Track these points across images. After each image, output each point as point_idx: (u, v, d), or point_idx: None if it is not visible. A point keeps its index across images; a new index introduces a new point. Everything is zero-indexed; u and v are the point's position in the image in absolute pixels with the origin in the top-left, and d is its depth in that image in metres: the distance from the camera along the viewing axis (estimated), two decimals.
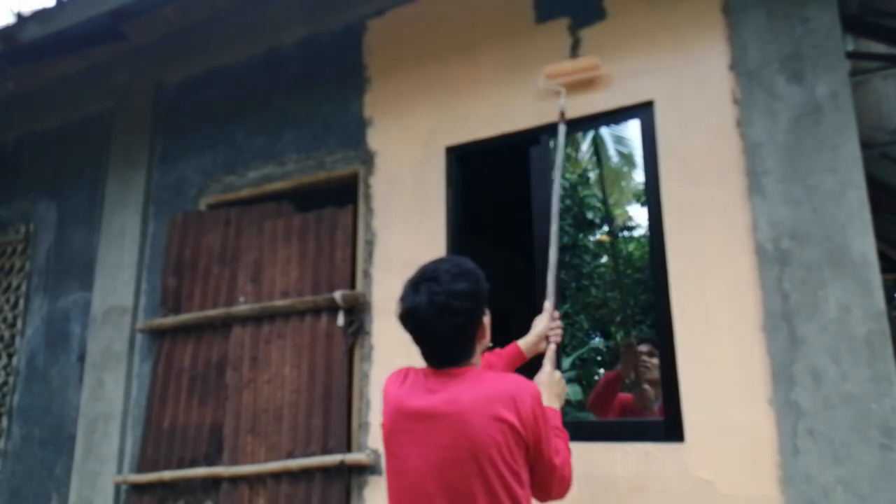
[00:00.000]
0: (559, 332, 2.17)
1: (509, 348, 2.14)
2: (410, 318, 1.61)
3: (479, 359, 1.69)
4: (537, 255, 2.65)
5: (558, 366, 2.15)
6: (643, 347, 3.18)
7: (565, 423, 1.83)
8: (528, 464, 1.58)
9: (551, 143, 2.86)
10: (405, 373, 1.71)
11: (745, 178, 2.34)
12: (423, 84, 3.13)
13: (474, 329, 1.63)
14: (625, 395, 3.21)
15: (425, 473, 1.55)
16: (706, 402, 2.25)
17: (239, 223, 3.47)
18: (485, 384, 1.56)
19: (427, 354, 1.65)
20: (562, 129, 2.52)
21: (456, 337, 1.61)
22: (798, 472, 2.06)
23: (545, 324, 2.17)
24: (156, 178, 3.92)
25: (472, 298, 1.59)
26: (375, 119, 3.24)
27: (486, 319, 1.68)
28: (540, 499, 1.66)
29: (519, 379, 1.60)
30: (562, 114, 2.55)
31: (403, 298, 1.63)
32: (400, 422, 1.63)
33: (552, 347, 2.12)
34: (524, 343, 2.15)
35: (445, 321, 1.57)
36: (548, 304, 2.21)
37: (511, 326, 3.07)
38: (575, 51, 2.78)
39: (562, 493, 1.68)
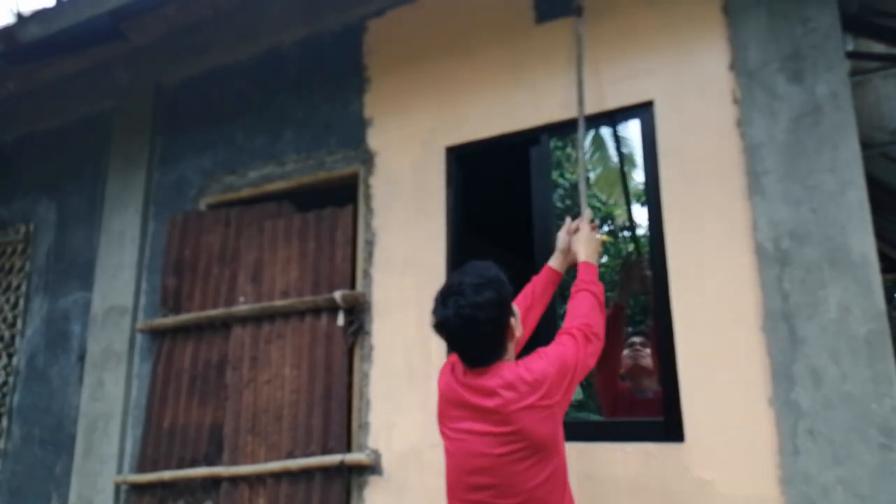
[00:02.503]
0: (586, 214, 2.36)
1: (543, 273, 2.29)
2: (441, 330, 1.79)
3: (511, 354, 1.84)
4: (537, 255, 2.65)
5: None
6: (636, 339, 3.26)
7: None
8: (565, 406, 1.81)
9: (551, 143, 2.86)
10: (453, 363, 1.87)
11: (745, 178, 2.34)
12: (423, 84, 3.13)
13: (502, 333, 1.79)
14: (623, 385, 3.22)
15: (468, 455, 1.75)
16: (706, 402, 2.25)
17: (239, 223, 3.47)
18: (517, 376, 1.73)
19: (461, 357, 1.81)
20: (579, 22, 2.66)
21: (485, 343, 1.77)
22: (798, 472, 2.06)
23: (562, 236, 2.34)
24: (156, 178, 3.91)
25: (496, 307, 1.75)
26: (375, 119, 3.24)
27: (514, 320, 1.82)
28: None
29: (539, 362, 1.77)
30: (578, 9, 2.68)
31: (434, 311, 1.81)
32: (448, 409, 1.84)
33: (587, 213, 2.34)
34: (554, 262, 2.31)
35: (473, 331, 1.74)
36: (570, 221, 2.37)
37: None
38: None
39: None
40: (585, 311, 1.98)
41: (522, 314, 2.01)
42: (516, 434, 1.68)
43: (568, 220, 2.38)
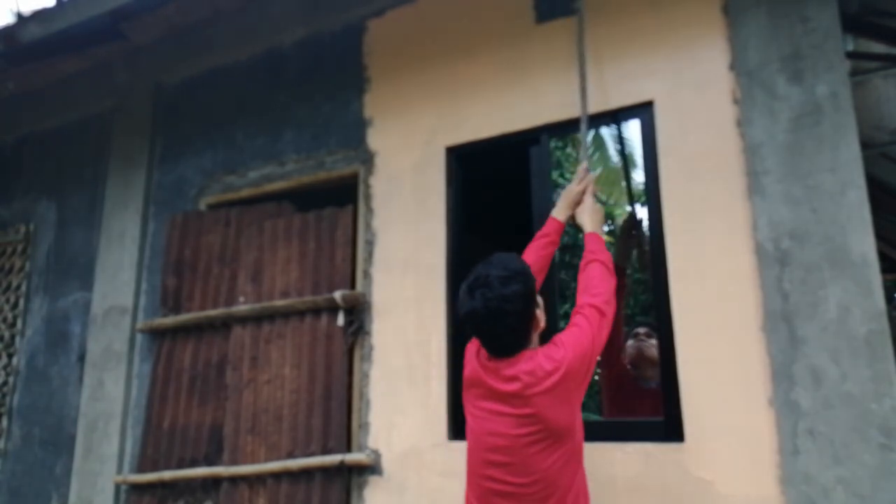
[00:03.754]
0: (588, 179, 2.43)
1: (549, 225, 2.36)
2: (469, 321, 1.83)
3: (535, 343, 1.89)
4: None
5: None
6: (641, 329, 3.23)
7: None
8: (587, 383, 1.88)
9: (551, 143, 2.86)
10: (479, 346, 1.91)
11: (745, 178, 2.34)
12: (423, 84, 3.13)
13: (528, 324, 1.83)
14: (627, 369, 3.21)
15: (489, 434, 1.81)
16: (706, 402, 2.25)
17: (239, 223, 3.47)
18: (537, 363, 1.78)
19: (486, 347, 1.84)
20: (581, 11, 2.69)
21: (511, 334, 1.81)
22: (798, 472, 2.06)
23: (570, 187, 2.40)
24: (156, 178, 3.91)
25: (522, 299, 1.79)
26: (375, 119, 3.24)
27: (539, 311, 1.87)
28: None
29: (558, 350, 1.81)
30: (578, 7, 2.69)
31: (461, 303, 1.84)
32: (472, 388, 1.90)
33: (590, 187, 2.40)
34: (558, 213, 2.38)
35: (501, 323, 1.78)
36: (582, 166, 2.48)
37: None
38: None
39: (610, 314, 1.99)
40: (596, 283, 2.03)
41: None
42: (533, 417, 1.74)
43: (580, 169, 2.44)
